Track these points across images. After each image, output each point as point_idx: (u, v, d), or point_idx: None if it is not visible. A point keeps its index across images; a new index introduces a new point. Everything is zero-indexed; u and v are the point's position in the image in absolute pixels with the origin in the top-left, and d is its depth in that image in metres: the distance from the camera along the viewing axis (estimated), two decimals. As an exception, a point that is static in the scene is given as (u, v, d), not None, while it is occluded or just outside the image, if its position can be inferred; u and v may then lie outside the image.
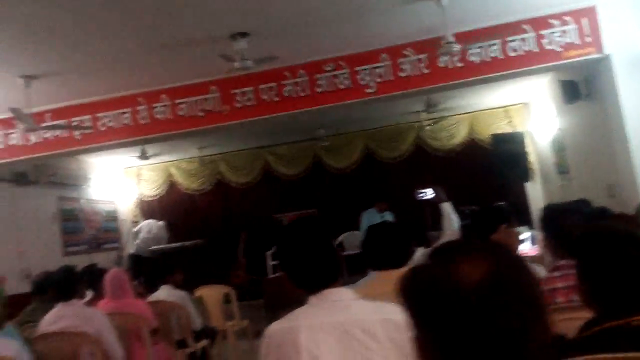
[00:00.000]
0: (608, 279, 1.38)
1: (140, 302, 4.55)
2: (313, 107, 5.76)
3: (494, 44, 5.29)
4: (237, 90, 5.87)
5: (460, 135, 9.42)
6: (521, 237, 4.07)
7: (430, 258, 0.89)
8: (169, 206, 10.51)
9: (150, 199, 10.58)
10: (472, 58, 5.34)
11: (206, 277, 7.14)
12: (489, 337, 0.79)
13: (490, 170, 8.30)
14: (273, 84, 5.79)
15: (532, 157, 8.78)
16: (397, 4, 4.67)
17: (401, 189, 8.72)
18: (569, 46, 5.27)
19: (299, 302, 1.79)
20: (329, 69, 5.68)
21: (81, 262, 5.83)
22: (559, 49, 5.27)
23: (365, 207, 7.75)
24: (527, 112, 8.97)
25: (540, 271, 2.50)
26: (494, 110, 9.20)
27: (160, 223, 9.71)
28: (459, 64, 5.37)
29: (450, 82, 5.49)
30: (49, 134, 6.24)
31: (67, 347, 3.61)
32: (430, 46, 5.09)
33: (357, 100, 5.69)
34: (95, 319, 3.74)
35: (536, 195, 8.97)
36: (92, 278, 4.48)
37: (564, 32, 5.26)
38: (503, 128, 9.05)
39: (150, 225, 9.65)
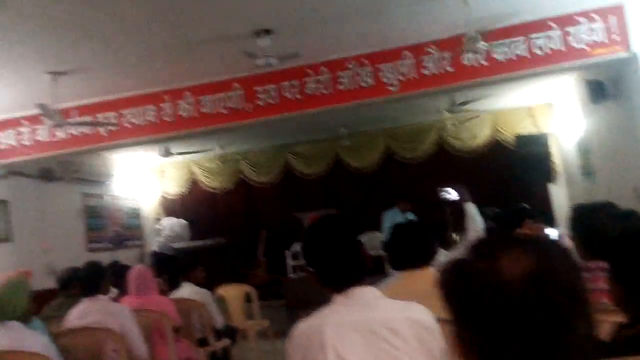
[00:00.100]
0: None
1: (164, 299, 4.58)
2: (335, 105, 5.75)
3: (520, 42, 5.22)
4: (259, 88, 5.89)
5: (483, 135, 9.32)
6: (547, 232, 4.02)
7: (472, 251, 0.88)
8: (191, 204, 10.59)
9: (172, 197, 10.67)
10: (497, 56, 5.28)
11: (227, 276, 7.18)
12: (531, 330, 0.79)
13: (513, 172, 8.21)
14: (295, 82, 5.80)
15: (556, 159, 8.66)
16: (421, 0, 4.64)
17: (421, 190, 8.63)
18: (596, 45, 5.18)
19: (320, 302, 1.78)
20: (351, 66, 5.66)
21: (104, 259, 5.89)
22: (585, 48, 5.19)
23: (385, 207, 7.71)
24: (552, 112, 8.85)
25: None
26: (518, 110, 9.09)
27: (182, 221, 9.78)
28: (484, 62, 5.31)
29: (475, 81, 5.44)
30: (74, 131, 6.32)
31: (91, 342, 3.65)
32: (455, 44, 5.04)
33: (379, 99, 5.66)
34: (121, 314, 3.78)
35: (560, 197, 8.84)
36: (115, 275, 4.52)
37: (591, 30, 5.17)
38: (527, 128, 8.93)
39: (172, 223, 9.73)
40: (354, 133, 9.53)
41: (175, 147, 9.03)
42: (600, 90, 5.90)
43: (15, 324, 3.00)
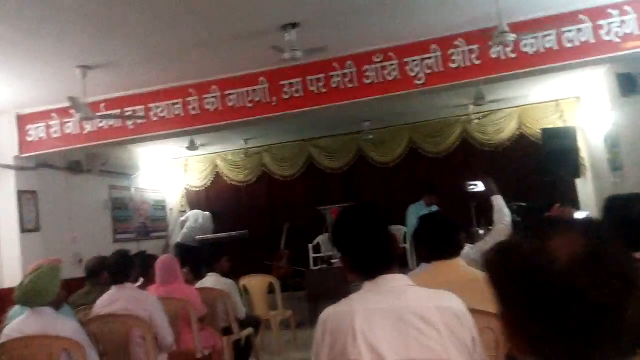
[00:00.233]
0: None
1: (189, 288, 4.64)
2: (360, 98, 5.73)
3: (549, 34, 5.14)
4: (285, 82, 5.90)
5: (509, 129, 9.22)
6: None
7: (521, 234, 0.88)
8: (215, 197, 10.69)
9: (196, 189, 10.79)
10: (526, 49, 5.20)
11: (250, 267, 7.24)
12: (582, 312, 0.78)
13: (539, 166, 8.10)
14: (321, 75, 5.78)
15: (583, 153, 8.52)
16: (449, -7, 4.60)
17: (445, 184, 8.59)
18: (628, 37, 5.06)
19: (340, 294, 1.78)
20: (377, 59, 5.63)
21: (130, 250, 6.00)
22: (617, 40, 5.07)
23: (408, 202, 7.67)
24: (579, 106, 8.71)
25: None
26: (545, 103, 8.97)
27: (206, 213, 9.87)
28: (512, 55, 5.23)
29: (502, 74, 5.35)
30: (103, 123, 6.41)
31: (119, 329, 3.71)
32: (482, 37, 4.98)
33: (405, 92, 5.62)
34: (148, 302, 3.83)
35: (587, 192, 8.70)
36: (142, 264, 4.59)
37: (622, 22, 5.05)
38: (553, 122, 8.80)
39: (196, 215, 9.83)
40: (378, 127, 9.50)
41: (200, 140, 9.11)
42: (630, 83, 5.80)
43: (47, 310, 3.07)
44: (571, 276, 0.79)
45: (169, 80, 6.12)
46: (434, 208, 7.12)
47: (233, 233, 9.29)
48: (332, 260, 7.75)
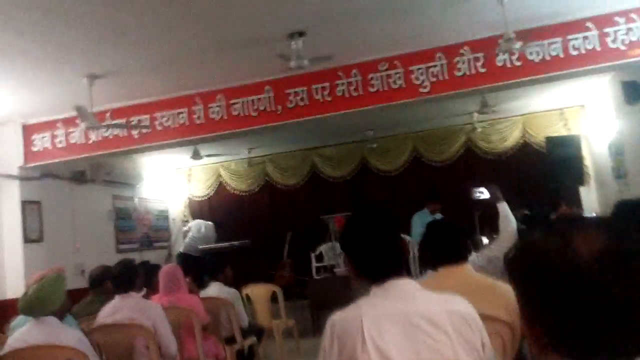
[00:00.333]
0: None
1: (193, 297, 4.61)
2: (365, 107, 5.73)
3: (555, 42, 5.13)
4: (290, 90, 5.91)
5: (513, 137, 9.21)
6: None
7: (544, 231, 0.87)
8: (218, 206, 10.69)
9: (199, 199, 10.78)
10: (532, 57, 5.19)
11: (253, 276, 7.21)
12: (605, 308, 0.78)
13: (543, 174, 8.08)
14: (326, 84, 5.79)
15: (588, 161, 8.50)
16: (455, 1, 4.60)
17: (449, 193, 8.57)
18: (634, 45, 5.06)
19: (343, 302, 1.76)
20: (383, 68, 5.64)
21: (134, 259, 5.98)
22: (623, 48, 5.07)
23: (411, 210, 7.64)
24: (584, 114, 8.69)
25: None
26: (549, 112, 8.96)
27: (209, 223, 9.85)
28: (518, 63, 5.23)
29: (508, 82, 5.35)
30: (108, 133, 6.41)
31: (122, 338, 3.69)
32: (488, 45, 4.98)
33: (410, 100, 5.62)
34: (152, 311, 3.80)
35: (591, 200, 8.66)
36: (146, 274, 4.56)
37: (629, 29, 5.05)
38: (558, 131, 8.79)
39: (199, 225, 9.80)
40: (382, 136, 9.50)
41: (204, 150, 9.12)
42: (635, 91, 5.80)
43: (51, 319, 3.05)
44: (595, 272, 0.79)
45: (175, 90, 6.13)
46: (439, 216, 7.09)
47: (236, 243, 9.26)
48: (335, 270, 7.71)
